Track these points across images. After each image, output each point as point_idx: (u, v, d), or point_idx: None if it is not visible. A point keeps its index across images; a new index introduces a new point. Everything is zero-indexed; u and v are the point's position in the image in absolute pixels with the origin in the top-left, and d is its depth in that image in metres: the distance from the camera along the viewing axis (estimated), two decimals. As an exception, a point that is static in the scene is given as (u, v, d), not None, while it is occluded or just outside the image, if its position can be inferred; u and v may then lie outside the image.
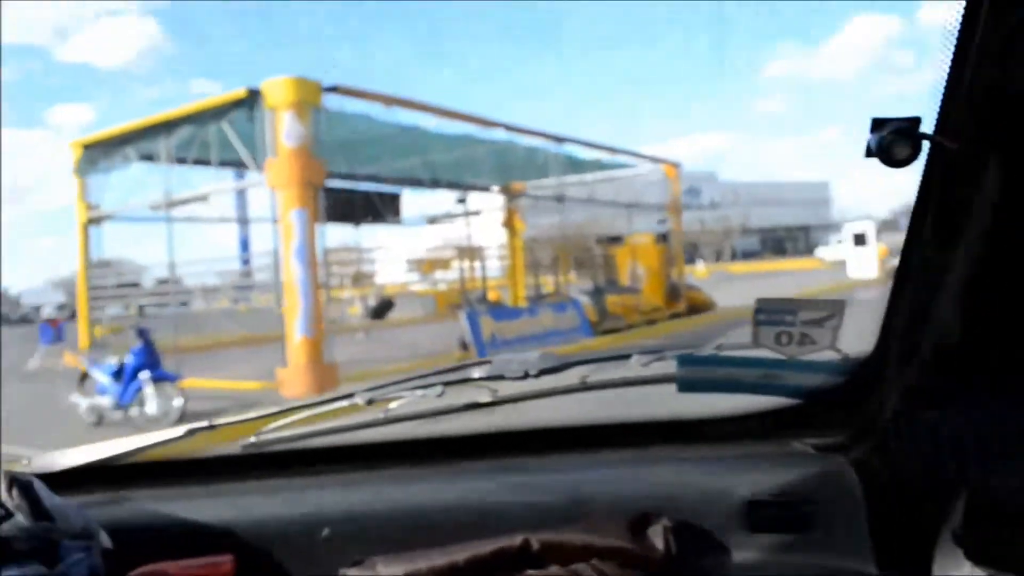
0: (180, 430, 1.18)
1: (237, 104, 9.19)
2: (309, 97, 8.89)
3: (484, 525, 1.03)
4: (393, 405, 1.19)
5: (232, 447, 1.21)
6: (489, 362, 1.23)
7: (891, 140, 0.74)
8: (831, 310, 1.03)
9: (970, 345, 0.89)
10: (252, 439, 1.19)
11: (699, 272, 41.74)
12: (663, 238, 18.37)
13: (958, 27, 0.65)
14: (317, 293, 8.92)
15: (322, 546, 1.05)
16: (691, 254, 53.36)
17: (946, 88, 0.69)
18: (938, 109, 0.71)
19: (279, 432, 1.18)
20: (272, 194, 9.19)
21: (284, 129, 8.71)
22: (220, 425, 1.19)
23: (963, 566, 0.88)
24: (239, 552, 1.01)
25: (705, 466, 1.16)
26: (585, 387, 1.19)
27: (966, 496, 0.92)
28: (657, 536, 1.03)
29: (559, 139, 13.77)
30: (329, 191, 10.40)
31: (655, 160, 17.35)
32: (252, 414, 1.24)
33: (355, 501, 1.12)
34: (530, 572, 0.97)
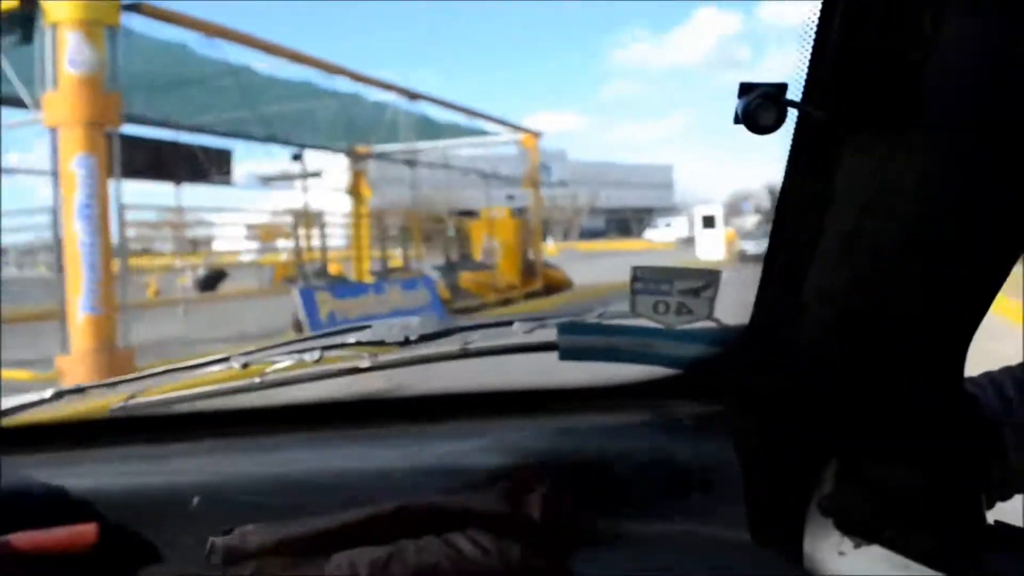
0: (46, 393, 1.14)
1: (8, 19, 7.07)
2: (103, 15, 7.02)
3: (361, 493, 1.03)
4: (269, 370, 1.18)
5: (100, 412, 1.16)
6: (369, 327, 1.24)
7: (756, 106, 0.73)
8: (706, 280, 1.06)
9: (844, 316, 0.92)
10: (121, 404, 1.15)
11: (549, 250, 41.64)
12: (520, 212, 17.14)
13: None
14: (107, 261, 7.05)
15: (192, 514, 1.02)
16: (542, 231, 54.09)
17: (812, 55, 0.71)
18: (804, 77, 0.73)
19: (150, 396, 1.16)
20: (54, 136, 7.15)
21: (68, 53, 6.72)
22: (88, 388, 1.17)
23: (832, 535, 0.93)
24: (104, 521, 0.97)
25: (585, 434, 1.19)
26: (466, 354, 1.21)
27: (836, 466, 0.97)
28: (534, 504, 1.04)
29: (412, 95, 12.23)
30: (134, 140, 8.42)
31: (515, 127, 16.05)
32: (123, 377, 1.21)
33: (227, 468, 1.10)
34: (403, 541, 0.98)
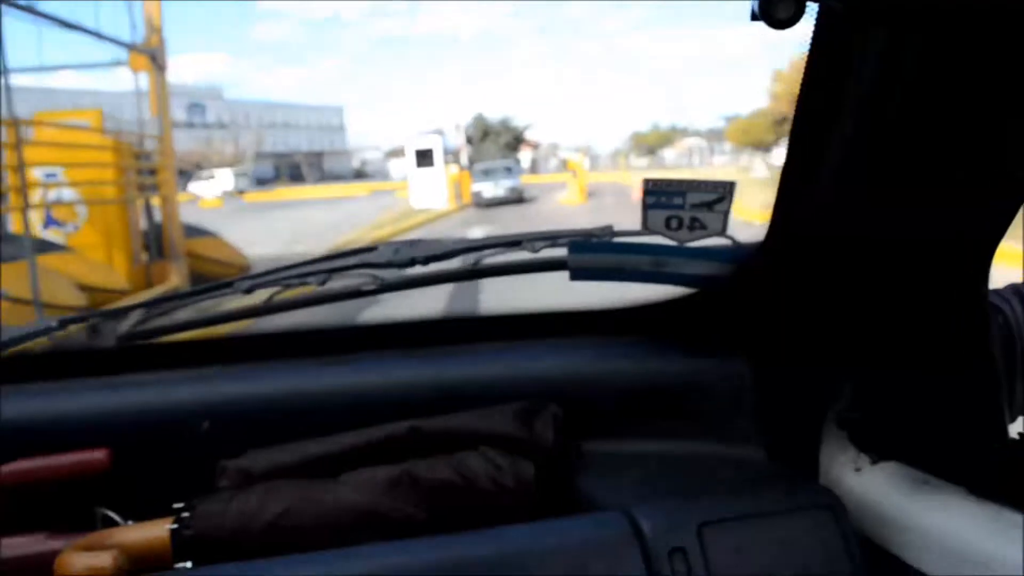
0: (52, 321, 1.10)
1: None
2: None
3: (368, 416, 1.00)
4: (273, 294, 1.14)
5: (106, 340, 1.12)
6: (375, 248, 1.19)
7: None
8: (721, 192, 1.00)
9: (864, 227, 0.85)
10: (126, 332, 1.11)
11: (210, 202, 30.81)
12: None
13: None
14: None
15: (201, 439, 1.00)
16: (188, 175, 41.77)
17: None
18: None
19: (154, 323, 1.13)
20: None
21: None
22: (93, 317, 1.12)
23: (848, 451, 0.91)
24: (115, 446, 0.95)
25: (596, 356, 1.15)
26: (475, 273, 1.17)
27: (853, 382, 0.94)
28: (545, 424, 1.01)
29: None
30: None
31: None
32: (126, 304, 1.17)
33: (235, 393, 1.07)
34: (415, 460, 0.96)
